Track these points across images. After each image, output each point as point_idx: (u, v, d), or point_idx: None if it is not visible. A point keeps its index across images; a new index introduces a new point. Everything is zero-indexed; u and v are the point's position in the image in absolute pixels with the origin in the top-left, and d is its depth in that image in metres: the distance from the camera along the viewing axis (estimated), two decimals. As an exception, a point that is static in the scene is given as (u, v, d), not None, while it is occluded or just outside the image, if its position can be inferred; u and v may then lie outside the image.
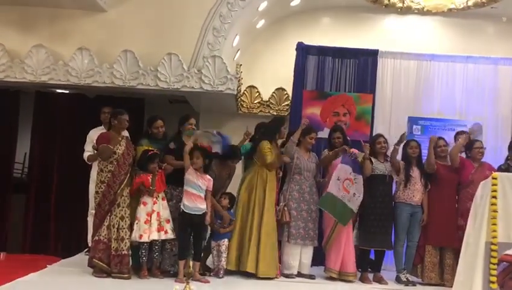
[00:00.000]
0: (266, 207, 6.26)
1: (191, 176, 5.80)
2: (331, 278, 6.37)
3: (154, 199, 5.88)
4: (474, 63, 7.81)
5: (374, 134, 7.45)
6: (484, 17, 8.40)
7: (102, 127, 6.88)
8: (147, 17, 7.40)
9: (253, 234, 6.18)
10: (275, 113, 8.54)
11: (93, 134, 6.95)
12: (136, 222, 5.82)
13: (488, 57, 7.85)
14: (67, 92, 7.99)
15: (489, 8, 8.07)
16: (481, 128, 7.40)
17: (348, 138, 6.74)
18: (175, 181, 6.00)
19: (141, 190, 5.87)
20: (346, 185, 6.33)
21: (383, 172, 6.53)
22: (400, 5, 8.30)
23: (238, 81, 7.39)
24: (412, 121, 7.79)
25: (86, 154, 6.85)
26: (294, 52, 7.91)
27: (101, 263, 5.77)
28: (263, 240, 6.16)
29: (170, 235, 5.88)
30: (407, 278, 6.48)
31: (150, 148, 6.03)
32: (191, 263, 4.27)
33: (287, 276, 6.32)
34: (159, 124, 6.28)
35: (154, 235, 5.80)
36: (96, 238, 5.84)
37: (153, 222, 5.81)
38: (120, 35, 7.35)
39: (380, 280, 6.47)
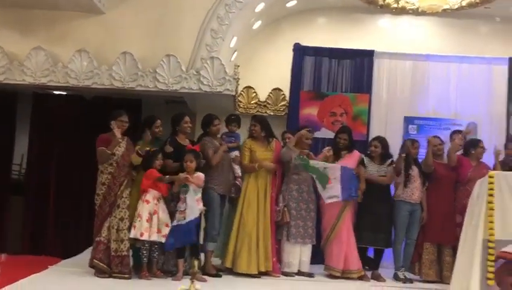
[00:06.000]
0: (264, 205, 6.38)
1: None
2: (331, 276, 6.46)
3: (156, 200, 5.93)
4: (468, 63, 7.92)
5: (370, 133, 7.63)
6: (478, 17, 8.48)
7: None
8: (145, 19, 7.44)
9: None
10: (271, 114, 8.60)
11: None
12: (139, 219, 5.84)
13: (483, 56, 7.95)
14: (65, 93, 8.02)
15: (483, 8, 8.13)
16: (476, 128, 7.52)
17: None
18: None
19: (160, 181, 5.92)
20: None
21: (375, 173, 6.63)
22: (395, 5, 8.35)
23: (236, 82, 7.44)
24: (408, 120, 7.89)
25: None
26: (291, 53, 8.00)
27: (101, 264, 5.82)
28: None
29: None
30: (404, 276, 6.58)
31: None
32: (195, 262, 4.33)
33: (287, 274, 6.41)
34: (158, 123, 6.34)
35: (155, 237, 5.84)
36: (97, 239, 5.89)
37: (154, 222, 5.85)
38: (118, 37, 7.38)
39: (378, 278, 6.56)
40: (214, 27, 7.33)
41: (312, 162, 6.50)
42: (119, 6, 7.48)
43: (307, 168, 6.47)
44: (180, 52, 7.23)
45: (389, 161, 6.65)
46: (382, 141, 6.71)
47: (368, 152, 6.76)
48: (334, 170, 6.48)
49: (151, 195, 5.92)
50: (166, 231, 5.88)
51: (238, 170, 6.44)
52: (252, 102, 8.71)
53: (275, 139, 6.65)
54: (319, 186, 6.45)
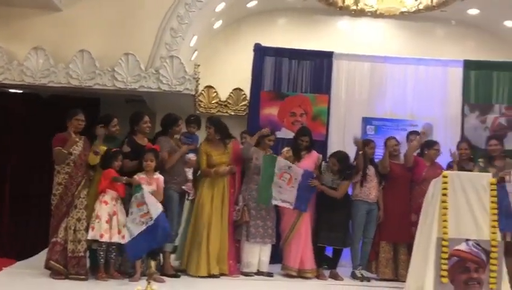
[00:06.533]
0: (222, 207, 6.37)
1: (143, 182, 5.82)
2: (289, 276, 6.49)
3: (114, 201, 5.86)
4: (425, 65, 8.06)
5: (329, 133, 7.78)
6: (435, 20, 8.72)
7: None
8: (104, 17, 7.37)
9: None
10: (232, 113, 8.66)
11: None
12: (97, 220, 5.75)
13: (438, 59, 8.11)
14: (21, 91, 7.85)
15: (440, 11, 8.36)
16: (432, 129, 7.69)
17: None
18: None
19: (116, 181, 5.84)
20: (283, 177, 6.46)
21: (329, 185, 6.67)
22: (354, 7, 8.50)
23: (196, 81, 7.43)
24: (366, 121, 7.99)
25: None
26: (252, 53, 8.01)
27: (57, 265, 5.73)
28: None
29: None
30: (362, 274, 6.65)
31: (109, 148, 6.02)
32: (152, 263, 4.31)
33: (247, 274, 6.42)
34: (115, 122, 6.26)
35: (116, 238, 5.76)
36: (54, 240, 5.80)
37: (114, 223, 5.78)
38: (76, 34, 7.30)
39: (335, 277, 6.63)
40: (174, 26, 7.30)
41: (279, 159, 6.52)
42: (77, 3, 7.38)
43: (268, 163, 6.47)
44: (139, 51, 7.19)
45: (344, 175, 6.67)
46: (340, 159, 6.64)
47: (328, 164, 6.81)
48: (297, 171, 6.53)
49: (109, 196, 5.85)
50: (124, 232, 5.79)
51: (189, 174, 6.41)
52: (213, 102, 8.73)
53: (233, 139, 6.63)
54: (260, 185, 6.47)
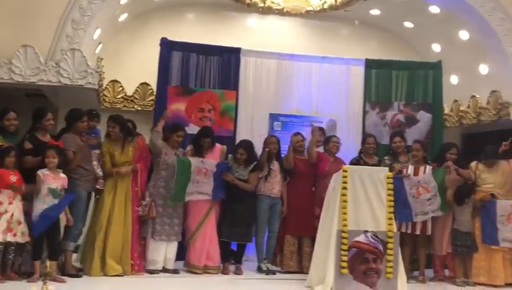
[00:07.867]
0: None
1: (47, 180, 5.61)
2: (194, 272, 6.48)
3: (11, 199, 5.58)
4: (329, 63, 8.26)
5: (237, 129, 7.80)
6: (339, 20, 8.99)
7: None
8: (0, 6, 6.97)
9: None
10: (139, 108, 8.51)
11: None
12: None
13: (341, 57, 8.34)
14: None
15: (344, 11, 8.64)
16: (335, 125, 7.93)
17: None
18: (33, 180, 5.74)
19: None
20: (201, 173, 6.48)
21: (240, 177, 6.73)
22: (261, 5, 8.64)
23: (100, 75, 7.21)
24: (273, 117, 8.10)
25: None
26: (159, 47, 7.89)
27: (-50, 269, 5.41)
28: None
29: (19, 238, 5.56)
30: (267, 268, 6.76)
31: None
32: (49, 263, 4.15)
33: (152, 272, 6.34)
34: (11, 116, 5.92)
35: (9, 237, 5.46)
36: None
37: (1, 222, 5.48)
38: (-31, 25, 6.88)
39: (240, 271, 6.68)
40: (75, 18, 7.04)
41: (192, 159, 6.49)
42: (-30, -9, 6.97)
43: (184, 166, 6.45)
44: (39, 43, 6.90)
45: (253, 165, 6.75)
46: (247, 147, 6.76)
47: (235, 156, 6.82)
48: (211, 163, 6.56)
49: (4, 195, 5.57)
50: (18, 229, 5.53)
51: (98, 170, 6.26)
52: (118, 96, 8.54)
53: (138, 136, 6.53)
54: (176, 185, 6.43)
